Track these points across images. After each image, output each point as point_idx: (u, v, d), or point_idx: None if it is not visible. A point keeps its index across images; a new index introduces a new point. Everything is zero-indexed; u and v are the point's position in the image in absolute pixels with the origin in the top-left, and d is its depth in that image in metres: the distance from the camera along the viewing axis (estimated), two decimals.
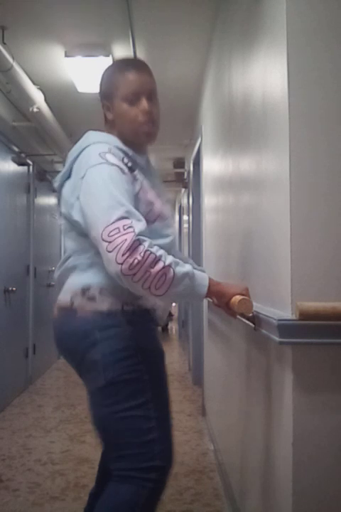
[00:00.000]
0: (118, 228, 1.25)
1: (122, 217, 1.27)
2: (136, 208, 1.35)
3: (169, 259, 1.28)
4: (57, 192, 1.55)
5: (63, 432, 3.40)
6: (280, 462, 1.42)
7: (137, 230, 1.26)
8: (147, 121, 1.48)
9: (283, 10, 1.35)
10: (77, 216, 1.40)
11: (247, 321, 1.62)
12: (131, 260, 1.23)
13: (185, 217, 6.37)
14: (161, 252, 1.28)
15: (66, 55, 3.45)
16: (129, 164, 1.42)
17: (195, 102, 4.43)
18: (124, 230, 1.25)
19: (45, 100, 3.93)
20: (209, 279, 1.37)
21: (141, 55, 3.49)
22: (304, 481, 1.30)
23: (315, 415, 1.30)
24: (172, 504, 1.95)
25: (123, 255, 1.23)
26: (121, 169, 1.37)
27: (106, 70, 1.57)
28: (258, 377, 1.73)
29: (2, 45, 3.00)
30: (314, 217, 1.31)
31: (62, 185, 1.50)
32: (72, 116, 4.88)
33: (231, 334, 2.32)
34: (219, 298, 1.42)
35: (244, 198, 2.02)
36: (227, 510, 2.29)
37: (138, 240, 1.25)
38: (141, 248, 1.24)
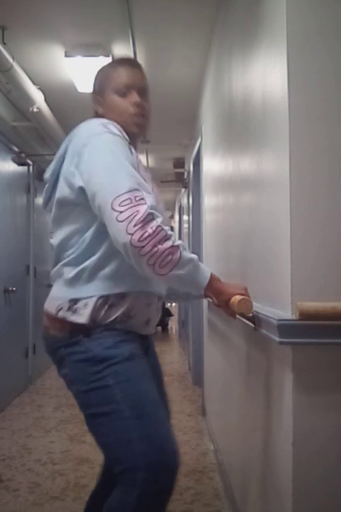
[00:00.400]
0: (130, 199, 1.24)
1: (134, 189, 1.26)
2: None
3: (178, 241, 1.29)
4: (48, 182, 1.49)
5: (63, 432, 3.40)
6: (280, 462, 1.42)
7: (149, 203, 1.26)
8: (138, 112, 1.48)
9: (283, 10, 1.35)
10: (79, 182, 1.36)
11: (247, 321, 1.62)
12: (142, 232, 1.22)
13: (185, 217, 6.38)
14: (171, 232, 1.29)
15: (66, 55, 3.45)
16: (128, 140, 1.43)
17: (195, 102, 4.43)
18: (136, 201, 1.24)
19: (45, 100, 3.93)
20: (212, 274, 1.38)
21: (141, 55, 3.49)
22: (304, 481, 1.30)
23: (315, 415, 1.30)
24: (172, 504, 1.93)
25: (135, 226, 1.22)
26: (124, 139, 1.38)
27: (100, 69, 1.60)
28: (258, 377, 1.73)
29: (2, 45, 3.00)
30: (314, 217, 1.31)
31: (57, 173, 1.45)
32: (72, 116, 4.85)
33: (231, 334, 2.32)
34: (219, 296, 1.42)
35: (244, 198, 2.02)
36: (227, 510, 2.29)
37: (152, 214, 1.25)
38: (154, 223, 1.24)
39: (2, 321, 4.03)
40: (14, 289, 4.16)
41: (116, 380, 1.35)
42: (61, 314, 1.41)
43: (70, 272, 1.41)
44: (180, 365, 5.94)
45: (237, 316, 1.51)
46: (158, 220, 1.26)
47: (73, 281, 1.41)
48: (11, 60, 3.11)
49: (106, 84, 1.50)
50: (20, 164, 4.46)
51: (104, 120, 1.42)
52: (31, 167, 4.85)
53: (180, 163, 6.54)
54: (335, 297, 1.28)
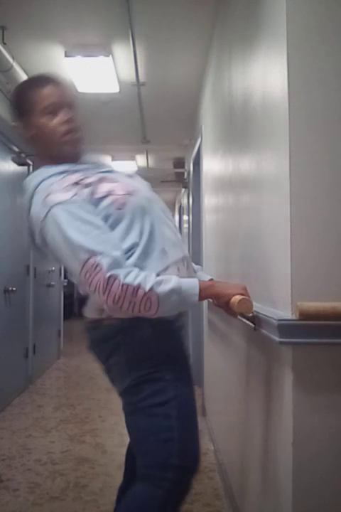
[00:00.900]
0: (87, 271, 1.27)
1: (86, 260, 1.27)
2: (101, 208, 1.34)
3: (149, 282, 1.26)
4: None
5: (63, 432, 3.40)
6: (280, 462, 1.42)
7: (105, 266, 1.25)
8: (68, 130, 1.45)
9: (283, 10, 1.35)
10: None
11: (247, 321, 1.62)
12: (112, 296, 1.25)
13: (185, 217, 6.38)
14: (139, 278, 1.26)
15: (66, 55, 3.45)
16: (70, 176, 1.39)
17: (195, 102, 4.43)
18: (94, 270, 1.26)
19: None
20: (201, 284, 1.35)
21: (140, 55, 3.50)
22: (304, 481, 1.30)
23: (315, 415, 1.30)
24: None
25: (103, 294, 1.25)
26: (65, 203, 1.32)
27: (16, 90, 1.54)
28: (258, 377, 1.73)
29: (2, 45, 3.01)
30: (314, 217, 1.31)
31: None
32: None
33: (231, 334, 2.32)
34: (218, 299, 1.42)
35: (244, 198, 2.02)
36: (227, 510, 2.29)
37: (111, 275, 1.25)
38: (117, 283, 1.25)
39: (2, 321, 4.03)
40: (14, 289, 4.16)
41: (172, 377, 1.38)
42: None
43: None
44: None
45: (238, 316, 1.51)
46: (121, 278, 1.25)
47: None
48: (11, 60, 3.11)
49: (30, 109, 1.45)
50: (20, 164, 4.46)
51: (43, 192, 1.37)
52: (31, 167, 4.84)
53: (180, 163, 6.54)
54: (335, 297, 1.28)
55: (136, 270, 1.29)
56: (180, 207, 8.37)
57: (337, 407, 1.30)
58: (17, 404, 4.11)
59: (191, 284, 1.33)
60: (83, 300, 1.50)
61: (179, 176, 6.59)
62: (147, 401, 1.36)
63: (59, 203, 1.31)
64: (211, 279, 1.73)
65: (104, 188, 1.38)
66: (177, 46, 3.46)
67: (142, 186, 1.53)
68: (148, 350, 1.39)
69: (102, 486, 2.56)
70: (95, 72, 3.68)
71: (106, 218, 1.35)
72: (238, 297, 1.37)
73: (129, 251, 1.35)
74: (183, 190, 6.50)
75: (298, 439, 1.29)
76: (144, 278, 1.27)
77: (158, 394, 1.36)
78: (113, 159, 6.59)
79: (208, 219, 3.56)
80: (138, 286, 1.25)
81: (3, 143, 4.14)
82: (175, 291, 1.28)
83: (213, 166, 3.23)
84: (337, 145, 1.31)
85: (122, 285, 1.24)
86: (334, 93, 1.32)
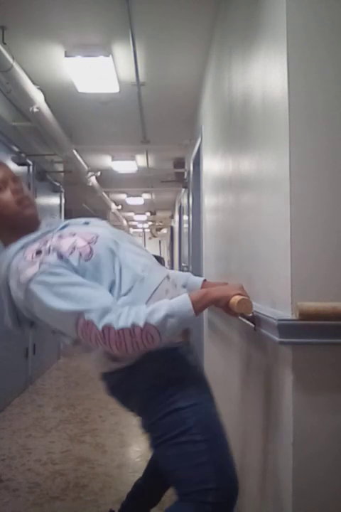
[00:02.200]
0: (82, 331, 1.28)
1: (76, 322, 1.28)
2: (71, 264, 1.34)
3: (142, 317, 1.26)
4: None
5: (63, 432, 3.40)
6: (280, 462, 1.42)
7: (96, 320, 1.25)
8: (21, 198, 1.46)
9: (283, 10, 1.35)
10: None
11: (247, 321, 1.62)
12: (114, 344, 1.26)
13: (185, 217, 6.37)
14: (131, 317, 1.26)
15: (66, 55, 3.45)
16: (30, 247, 1.40)
17: (195, 102, 4.43)
18: (87, 327, 1.27)
19: (45, 100, 3.93)
20: (194, 296, 1.34)
21: (140, 55, 3.50)
22: (304, 481, 1.30)
23: (315, 415, 1.30)
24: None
25: (105, 344, 1.27)
26: (36, 276, 1.32)
27: None
28: (258, 377, 1.73)
29: (2, 45, 3.00)
30: (314, 217, 1.31)
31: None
32: (72, 116, 4.88)
33: (231, 334, 2.32)
34: (216, 304, 1.42)
35: (244, 198, 2.02)
36: None
37: (104, 326, 1.25)
38: (112, 332, 1.25)
39: (2, 321, 4.03)
40: None
41: (189, 403, 1.37)
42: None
43: None
44: None
45: (239, 316, 1.51)
46: (114, 324, 1.25)
47: None
48: (10, 60, 3.11)
49: None
50: (20, 164, 4.46)
51: (15, 276, 1.37)
52: (31, 167, 4.84)
53: (180, 163, 6.54)
54: (335, 297, 1.28)
55: (126, 309, 1.28)
56: (180, 207, 8.37)
57: (337, 407, 1.30)
58: (17, 404, 4.11)
59: (181, 301, 1.32)
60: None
61: (179, 176, 6.60)
62: (170, 434, 1.36)
63: (31, 279, 1.32)
64: (204, 281, 1.73)
65: (65, 245, 1.39)
66: (177, 46, 3.46)
67: (102, 229, 1.52)
68: (156, 386, 1.39)
69: (102, 486, 2.56)
70: (95, 72, 3.68)
71: (78, 272, 1.35)
72: (237, 298, 1.36)
73: (110, 291, 1.36)
74: (183, 190, 6.50)
75: (298, 439, 1.29)
76: (135, 315, 1.27)
77: (179, 424, 1.36)
78: (113, 159, 6.60)
79: (208, 219, 3.56)
80: (134, 326, 1.25)
81: (3, 143, 4.14)
82: (169, 315, 1.27)
83: (213, 166, 3.23)
84: (337, 145, 1.31)
85: (118, 331, 1.25)
86: (334, 93, 1.32)
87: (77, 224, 1.55)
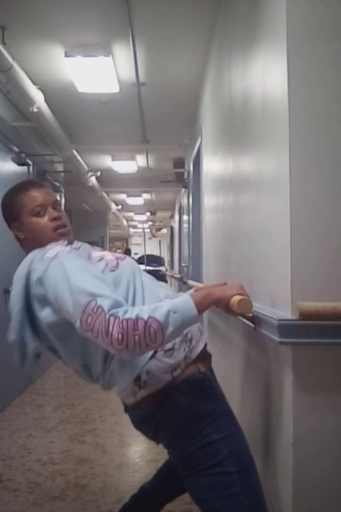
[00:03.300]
0: (89, 314, 1.27)
1: (87, 303, 1.27)
2: (97, 266, 1.41)
3: (146, 312, 1.27)
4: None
5: (63, 432, 3.40)
6: (280, 462, 1.42)
7: (106, 307, 1.26)
8: (58, 225, 1.55)
9: (283, 10, 1.35)
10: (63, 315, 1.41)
11: (247, 321, 1.62)
12: (116, 336, 1.24)
13: (185, 217, 6.37)
14: (136, 311, 1.27)
15: (66, 55, 3.45)
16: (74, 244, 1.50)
17: (195, 102, 4.43)
18: (95, 312, 1.26)
19: (45, 100, 3.93)
20: (196, 295, 1.35)
21: (141, 55, 3.50)
22: (304, 481, 1.30)
23: (315, 415, 1.30)
24: (172, 504, 1.94)
25: (107, 336, 1.24)
26: (64, 252, 1.41)
27: (5, 197, 1.62)
28: (258, 377, 1.73)
29: (2, 45, 3.00)
30: (314, 217, 1.31)
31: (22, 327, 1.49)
32: (72, 116, 4.88)
33: (231, 334, 2.32)
34: (218, 304, 1.42)
35: (244, 198, 2.02)
36: None
37: (111, 315, 1.25)
38: (117, 321, 1.24)
39: (2, 321, 4.03)
40: None
41: (221, 435, 1.37)
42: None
43: None
44: None
45: (238, 316, 1.51)
46: (120, 315, 1.25)
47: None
48: (11, 60, 3.11)
49: (21, 211, 1.56)
50: (20, 164, 4.45)
51: (39, 253, 1.45)
52: (31, 167, 4.84)
53: (180, 163, 6.54)
54: (335, 297, 1.28)
55: (134, 307, 1.31)
56: (180, 207, 8.37)
57: (337, 407, 1.30)
58: (17, 404, 4.11)
59: (183, 300, 1.33)
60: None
61: (179, 176, 6.59)
62: (203, 465, 1.36)
63: (58, 254, 1.39)
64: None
65: (95, 254, 1.50)
66: (178, 46, 3.46)
67: (129, 259, 1.60)
68: (188, 419, 1.39)
69: (102, 486, 2.56)
70: (95, 72, 3.68)
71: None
72: (238, 297, 1.36)
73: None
74: (183, 190, 6.50)
75: (298, 439, 1.29)
76: (140, 309, 1.28)
77: (212, 457, 1.36)
78: (113, 159, 6.60)
79: (208, 219, 3.56)
80: (137, 317, 1.25)
81: (3, 143, 4.14)
82: (172, 310, 1.28)
83: (213, 166, 3.23)
84: (337, 145, 1.31)
85: (122, 321, 1.24)
86: (334, 93, 1.32)
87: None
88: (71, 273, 1.33)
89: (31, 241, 1.55)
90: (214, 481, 1.35)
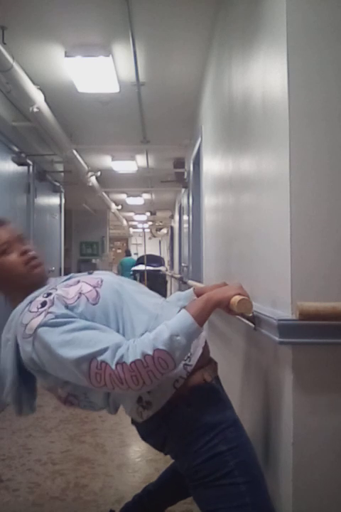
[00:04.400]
0: (96, 374, 1.24)
1: (89, 367, 1.24)
2: (78, 312, 1.32)
3: (148, 345, 1.24)
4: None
5: (63, 432, 3.40)
6: (280, 462, 1.42)
7: (109, 359, 1.23)
8: (29, 258, 1.46)
9: (283, 10, 1.35)
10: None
11: (247, 321, 1.62)
12: (130, 381, 1.23)
13: (185, 217, 6.37)
14: (139, 347, 1.24)
15: (66, 55, 3.45)
16: (35, 301, 1.37)
17: (195, 102, 4.43)
18: (102, 369, 1.23)
19: (45, 100, 3.93)
20: (193, 308, 1.33)
21: (140, 55, 3.50)
22: (304, 481, 1.30)
23: (315, 415, 1.30)
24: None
25: (122, 384, 1.23)
26: (42, 329, 1.29)
27: None
28: (258, 377, 1.73)
29: (2, 45, 3.00)
30: (314, 217, 1.31)
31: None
32: (72, 116, 4.88)
33: (231, 334, 2.32)
34: (218, 306, 1.41)
35: (244, 198, 2.02)
36: None
37: (117, 363, 1.22)
38: (126, 367, 1.22)
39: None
40: None
41: (228, 446, 1.36)
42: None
43: None
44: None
45: (237, 316, 1.51)
46: (128, 358, 1.22)
47: None
48: (11, 60, 3.11)
49: None
50: (20, 164, 4.45)
51: (21, 328, 1.35)
52: (31, 167, 4.84)
53: (180, 163, 6.53)
54: (335, 297, 1.28)
55: (131, 342, 1.27)
56: (180, 207, 8.37)
57: (337, 407, 1.30)
58: None
59: (182, 318, 1.30)
60: None
61: (179, 176, 6.59)
62: (211, 477, 1.35)
63: (36, 329, 1.29)
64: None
65: (71, 292, 1.37)
66: (178, 46, 3.46)
67: (107, 276, 1.51)
68: (195, 431, 1.38)
69: (102, 486, 2.56)
70: (95, 72, 3.68)
71: (86, 317, 1.33)
72: (237, 298, 1.36)
73: (123, 333, 1.35)
74: (183, 190, 6.50)
75: (298, 439, 1.29)
76: (142, 344, 1.25)
77: (220, 468, 1.35)
78: (113, 159, 6.60)
79: (208, 219, 3.56)
80: (144, 355, 1.23)
81: (3, 143, 4.14)
82: (173, 334, 1.26)
83: (213, 166, 3.23)
84: (337, 145, 1.31)
85: (130, 366, 1.22)
86: (334, 93, 1.32)
87: (80, 274, 1.54)
88: (60, 351, 1.25)
89: (5, 281, 1.47)
90: (222, 492, 1.34)
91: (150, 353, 1.22)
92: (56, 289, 1.39)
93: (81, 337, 1.26)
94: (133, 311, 1.39)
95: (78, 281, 1.42)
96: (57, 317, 1.29)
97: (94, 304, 1.35)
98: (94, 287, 1.40)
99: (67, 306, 1.33)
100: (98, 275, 1.50)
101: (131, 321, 1.37)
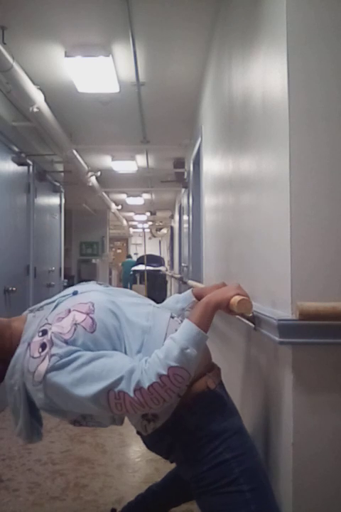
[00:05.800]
0: (116, 404, 1.23)
1: (107, 400, 1.23)
2: (79, 344, 1.28)
3: (162, 365, 1.24)
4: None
5: (63, 432, 3.40)
6: (280, 462, 1.42)
7: (125, 388, 1.22)
8: None
9: (283, 10, 1.35)
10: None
11: (247, 321, 1.62)
12: (151, 402, 1.23)
13: (185, 217, 6.37)
14: (153, 368, 1.24)
15: (66, 55, 3.44)
16: (34, 343, 1.33)
17: (195, 102, 4.43)
18: (121, 398, 1.23)
19: (45, 100, 3.93)
20: (194, 317, 1.33)
21: (141, 55, 3.49)
22: (304, 481, 1.30)
23: (315, 415, 1.30)
24: None
25: (144, 407, 1.24)
26: (51, 374, 1.26)
27: None
28: (258, 377, 1.73)
29: (2, 45, 3.00)
30: (314, 216, 1.31)
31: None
32: (72, 116, 4.88)
33: (231, 334, 2.32)
34: (218, 308, 1.41)
35: (244, 198, 2.02)
36: None
37: (135, 390, 1.22)
38: (145, 392, 1.22)
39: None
40: (14, 289, 4.16)
41: (233, 454, 1.36)
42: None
43: None
44: None
45: (237, 316, 1.51)
46: (141, 382, 1.22)
47: None
48: (11, 60, 3.11)
49: None
50: (20, 164, 4.45)
51: (26, 372, 1.31)
52: (31, 167, 4.84)
53: (180, 163, 6.53)
54: (335, 297, 1.28)
55: (143, 365, 1.26)
56: (180, 207, 8.36)
57: (337, 407, 1.30)
58: None
59: (187, 329, 1.31)
60: None
61: (179, 176, 6.59)
62: (216, 484, 1.35)
63: (45, 376, 1.26)
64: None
65: (66, 325, 1.31)
66: (178, 46, 3.46)
67: (94, 294, 1.46)
68: (200, 440, 1.38)
69: (102, 485, 2.56)
70: (95, 72, 3.68)
71: (88, 346, 1.30)
72: (237, 298, 1.36)
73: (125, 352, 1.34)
74: (183, 190, 6.49)
75: (298, 439, 1.29)
76: (154, 365, 1.25)
77: (225, 475, 1.35)
78: (113, 159, 6.59)
79: (208, 219, 3.56)
80: (159, 376, 1.23)
81: (3, 143, 4.14)
82: (182, 348, 1.26)
83: (213, 165, 3.23)
84: (337, 145, 1.31)
85: (148, 389, 1.22)
86: (334, 93, 1.32)
87: (66, 298, 1.46)
88: (75, 391, 1.24)
89: None
90: (227, 500, 1.34)
91: (165, 372, 1.23)
92: (49, 324, 1.34)
93: (91, 370, 1.24)
94: (128, 328, 1.38)
95: (69, 311, 1.36)
96: (61, 357, 1.26)
97: (92, 332, 1.31)
98: (88, 314, 1.35)
99: (66, 342, 1.28)
100: (85, 297, 1.43)
101: (127, 337, 1.37)
